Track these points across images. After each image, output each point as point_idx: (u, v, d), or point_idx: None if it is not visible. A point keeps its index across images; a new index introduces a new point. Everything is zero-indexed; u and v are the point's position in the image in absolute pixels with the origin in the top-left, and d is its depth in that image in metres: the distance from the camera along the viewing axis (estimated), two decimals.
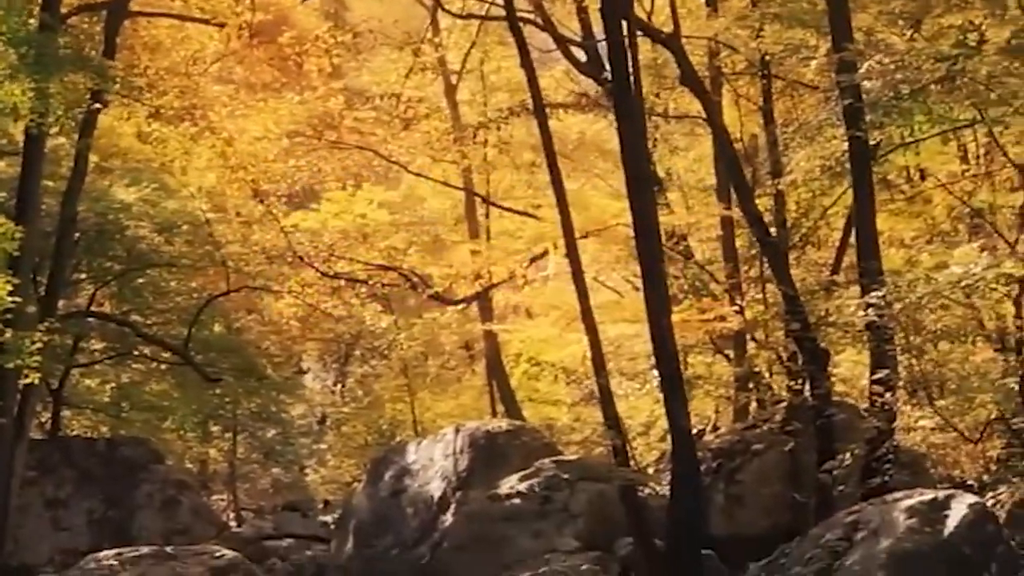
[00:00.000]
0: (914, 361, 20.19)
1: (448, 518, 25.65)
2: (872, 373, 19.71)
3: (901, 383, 20.41)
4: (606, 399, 21.17)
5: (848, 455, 19.10)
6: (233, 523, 34.99)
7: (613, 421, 21.11)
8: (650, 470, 27.51)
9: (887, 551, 12.82)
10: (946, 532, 12.91)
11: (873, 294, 19.01)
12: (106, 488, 28.24)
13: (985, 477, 22.20)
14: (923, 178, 28.73)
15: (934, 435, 22.35)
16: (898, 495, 13.87)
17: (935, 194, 27.53)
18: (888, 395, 18.96)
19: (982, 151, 27.88)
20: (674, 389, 19.83)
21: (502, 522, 24.81)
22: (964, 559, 12.84)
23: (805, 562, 13.33)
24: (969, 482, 21.63)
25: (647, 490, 23.42)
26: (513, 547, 24.43)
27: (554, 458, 26.10)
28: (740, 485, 24.97)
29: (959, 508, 13.10)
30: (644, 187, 19.96)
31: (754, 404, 28.25)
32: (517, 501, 24.95)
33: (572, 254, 21.83)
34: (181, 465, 35.89)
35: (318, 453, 43.65)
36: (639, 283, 34.36)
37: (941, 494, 13.52)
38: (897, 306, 18.77)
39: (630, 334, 28.40)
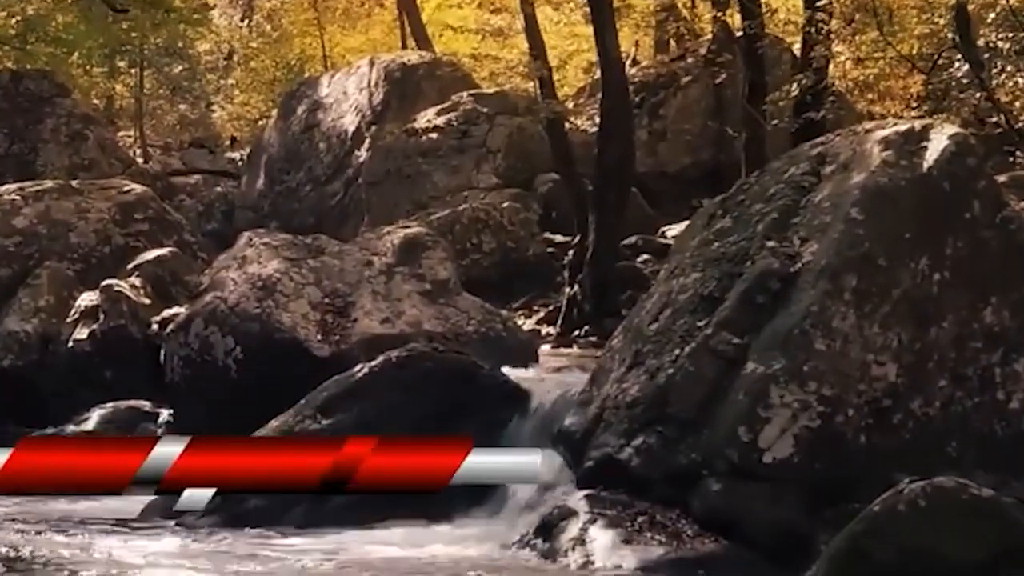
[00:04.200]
0: None
1: (362, 153, 24.27)
2: (809, 2, 17.94)
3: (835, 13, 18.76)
4: (531, 28, 19.24)
5: (795, 86, 17.35)
6: (140, 159, 33.27)
7: (539, 51, 19.22)
8: (568, 104, 25.77)
9: (860, 186, 11.08)
10: (924, 166, 11.15)
11: None
12: (10, 122, 26.39)
13: (906, 113, 21.00)
14: None
15: (859, 68, 20.97)
16: (869, 125, 12.10)
17: None
18: (832, 22, 17.21)
19: None
20: (603, 13, 17.87)
21: (418, 157, 23.37)
22: (943, 195, 11.14)
23: (768, 199, 11.54)
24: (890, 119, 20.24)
25: (567, 125, 21.72)
26: (429, 183, 23.14)
27: (472, 91, 24.47)
28: (663, 120, 23.46)
29: (938, 140, 11.33)
30: None
31: (673, 41, 26.51)
32: (434, 136, 23.47)
33: None
34: (87, 101, 33.94)
35: (225, 89, 41.82)
36: None
37: (918, 124, 11.73)
38: None
39: None
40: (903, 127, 11.66)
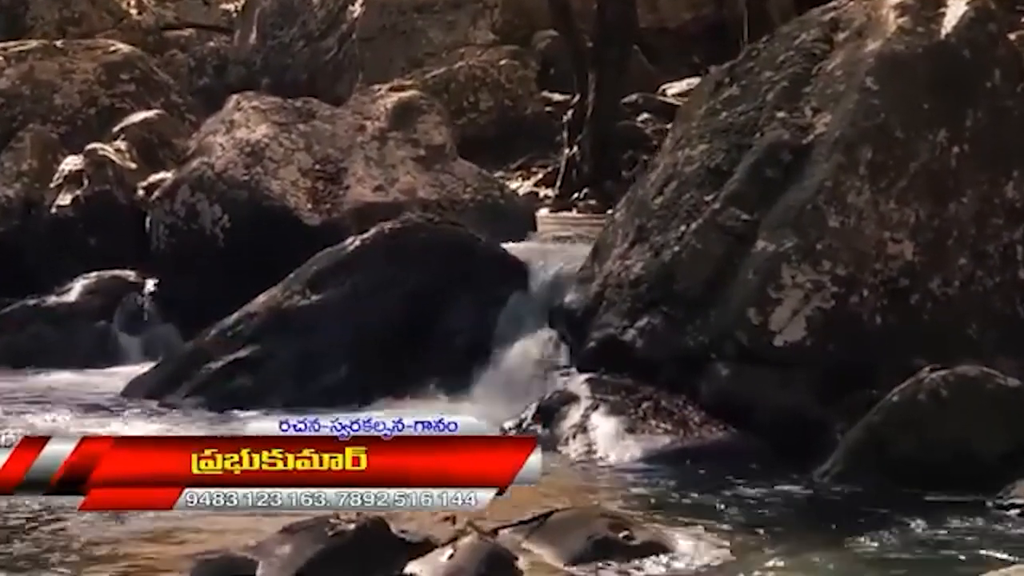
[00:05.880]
0: None
1: (357, 8, 23.38)
2: None
3: None
4: None
5: None
6: (133, 11, 32.33)
7: None
8: None
9: (875, 54, 10.38)
10: (942, 32, 10.47)
11: None
12: None
13: None
14: None
15: None
16: None
17: None
18: None
19: None
20: None
21: (413, 13, 22.54)
22: (963, 63, 10.45)
23: (778, 66, 10.82)
24: None
25: None
26: (425, 39, 22.30)
27: None
28: None
29: (957, 5, 10.62)
30: None
31: None
32: None
33: None
34: None
35: None
36: None
37: None
38: None
39: None
40: None
